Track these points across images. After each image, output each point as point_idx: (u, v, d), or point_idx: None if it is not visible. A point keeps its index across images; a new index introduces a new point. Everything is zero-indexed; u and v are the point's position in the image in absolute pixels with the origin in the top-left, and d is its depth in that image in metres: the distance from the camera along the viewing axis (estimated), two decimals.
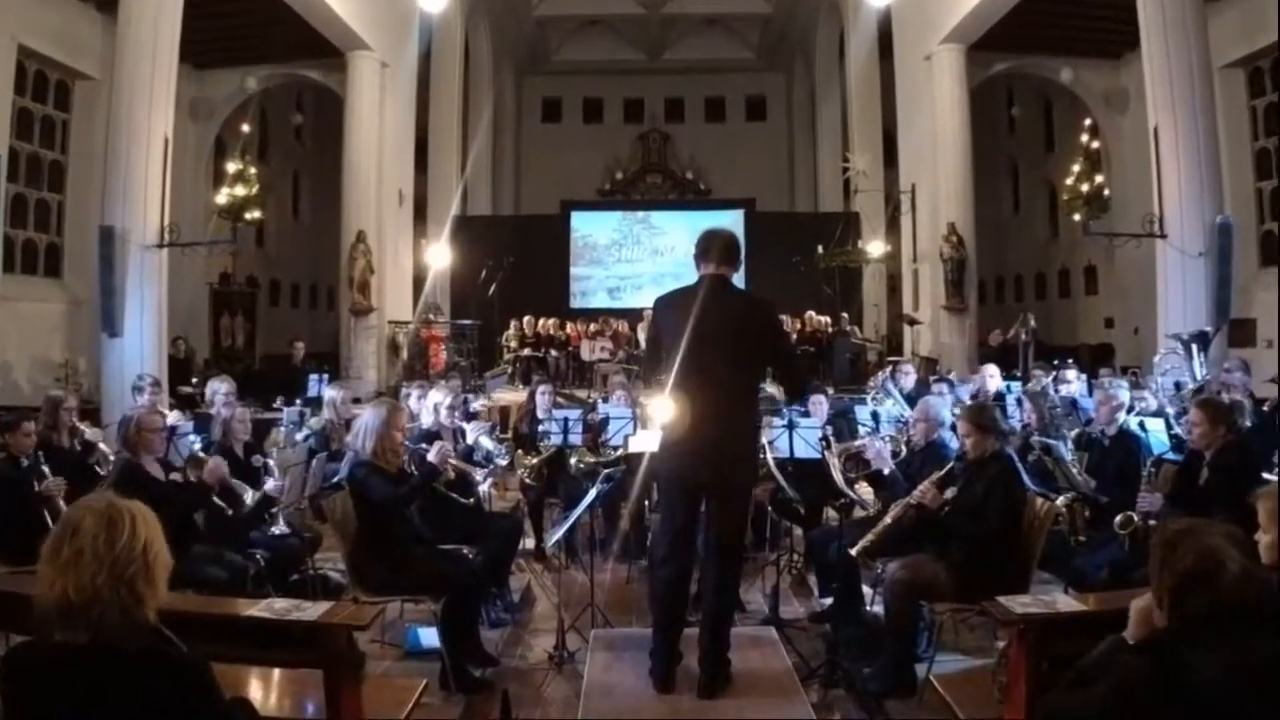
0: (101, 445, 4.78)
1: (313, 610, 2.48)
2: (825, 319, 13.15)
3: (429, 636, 3.74)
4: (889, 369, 7.77)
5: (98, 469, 4.54)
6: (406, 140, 13.75)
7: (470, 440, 5.20)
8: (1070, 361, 8.35)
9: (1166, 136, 8.37)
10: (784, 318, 10.97)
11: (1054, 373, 7.07)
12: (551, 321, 13.39)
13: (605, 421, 5.58)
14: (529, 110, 21.83)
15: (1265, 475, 3.56)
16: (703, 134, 21.67)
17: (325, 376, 8.66)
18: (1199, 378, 6.61)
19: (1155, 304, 8.72)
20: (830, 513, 4.86)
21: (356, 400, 7.45)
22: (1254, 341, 9.33)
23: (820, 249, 13.60)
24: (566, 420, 5.53)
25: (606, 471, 4.56)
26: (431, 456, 3.89)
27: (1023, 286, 16.77)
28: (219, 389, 5.48)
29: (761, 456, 4.23)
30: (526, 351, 12.78)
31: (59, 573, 1.54)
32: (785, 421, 4.59)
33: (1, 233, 9.51)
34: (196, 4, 8.77)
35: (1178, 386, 6.45)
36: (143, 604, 1.57)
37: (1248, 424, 4.48)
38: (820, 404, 5.56)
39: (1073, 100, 13.66)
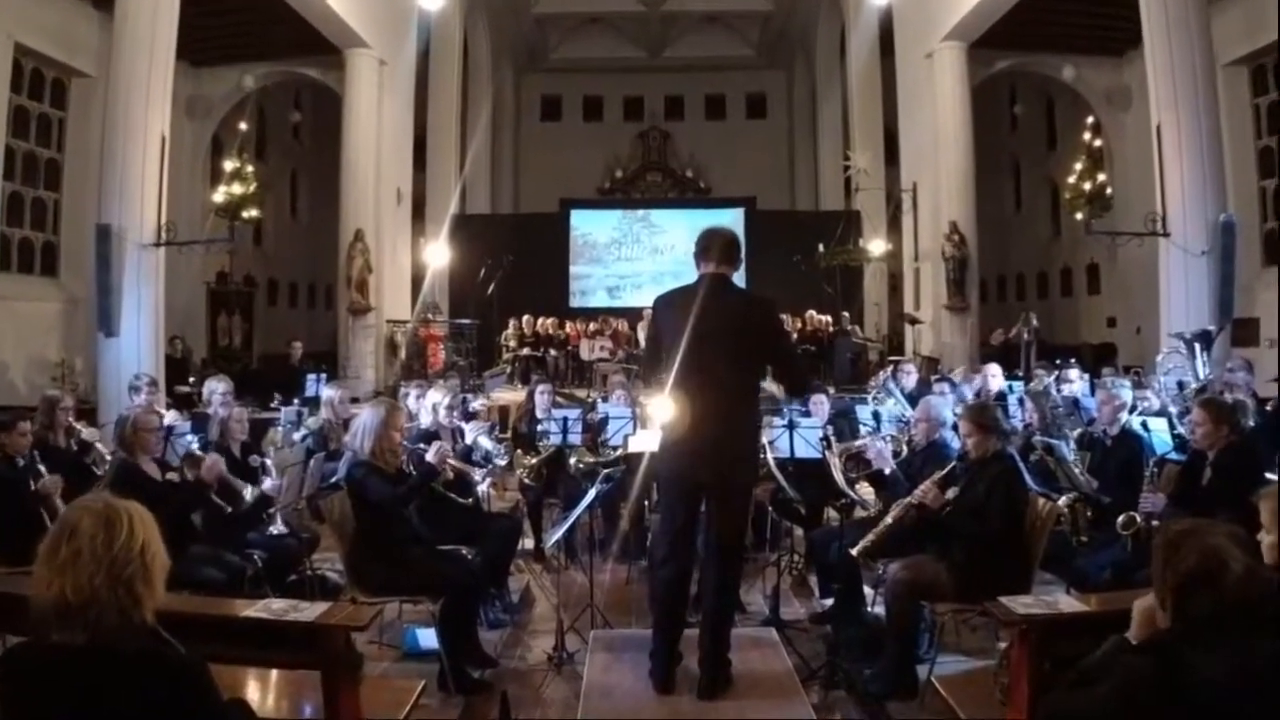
0: (98, 445, 4.76)
1: (310, 611, 2.46)
2: (826, 318, 13.15)
3: (427, 637, 3.73)
4: (890, 368, 7.76)
5: (94, 469, 4.53)
6: (405, 138, 13.73)
7: (469, 440, 5.19)
8: (1072, 361, 8.30)
9: (1169, 134, 8.36)
10: (784, 317, 10.96)
11: (1056, 372, 7.04)
12: (551, 321, 13.38)
13: (605, 421, 5.57)
14: (528, 108, 21.81)
15: (1268, 475, 3.53)
16: (703, 132, 21.64)
17: (323, 376, 8.62)
18: (1202, 377, 6.59)
19: (1158, 303, 8.71)
20: (831, 513, 4.85)
21: (354, 400, 7.43)
22: (1257, 341, 9.31)
23: (821, 248, 13.59)
24: (566, 420, 5.51)
25: (606, 471, 4.54)
26: (430, 456, 3.87)
27: (1025, 285, 16.77)
28: (216, 388, 5.46)
29: (762, 456, 4.22)
30: (525, 351, 12.77)
31: (56, 573, 1.54)
32: (786, 421, 4.58)
33: None
34: (194, 1, 8.76)
35: (1180, 386, 6.43)
36: (140, 605, 1.56)
37: (1251, 424, 4.47)
38: (821, 404, 5.55)
39: (1075, 98, 13.64)
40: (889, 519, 3.59)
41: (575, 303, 16.65)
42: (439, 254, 13.68)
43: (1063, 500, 3.89)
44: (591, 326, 13.43)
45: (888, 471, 4.05)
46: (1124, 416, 4.47)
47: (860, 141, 15.53)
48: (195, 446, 4.50)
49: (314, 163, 16.25)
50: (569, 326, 13.53)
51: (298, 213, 17.10)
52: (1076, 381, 6.71)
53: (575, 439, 5.48)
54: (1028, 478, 3.69)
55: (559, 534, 4.28)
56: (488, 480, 5.24)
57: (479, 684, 3.47)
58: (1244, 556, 1.60)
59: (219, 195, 9.30)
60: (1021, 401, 6.08)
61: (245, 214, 9.20)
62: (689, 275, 3.35)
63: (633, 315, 13.24)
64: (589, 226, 17.88)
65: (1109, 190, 10.30)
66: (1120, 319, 13.66)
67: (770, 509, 5.00)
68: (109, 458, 4.34)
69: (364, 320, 12.14)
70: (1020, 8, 10.72)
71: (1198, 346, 6.85)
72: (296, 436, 5.80)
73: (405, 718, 2.49)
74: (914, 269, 13.39)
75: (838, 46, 17.55)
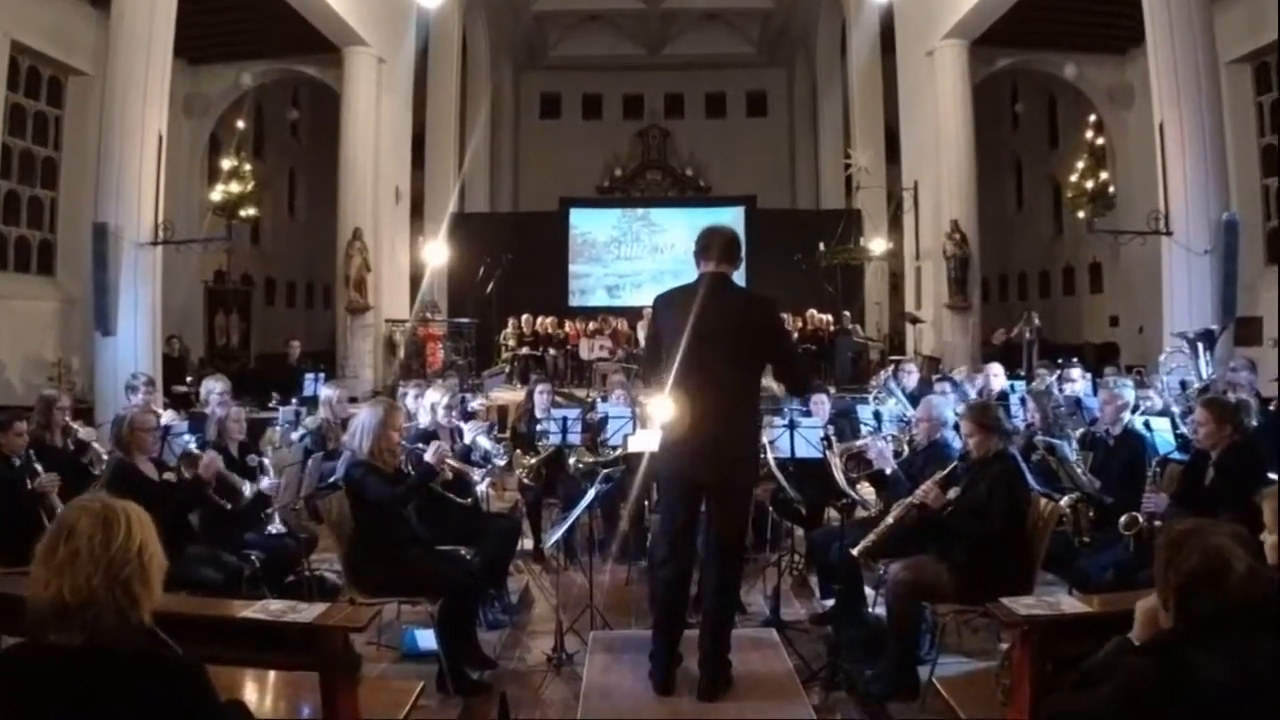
0: (95, 445, 4.75)
1: (309, 612, 2.46)
2: (827, 317, 13.14)
3: (426, 638, 3.72)
4: (891, 368, 7.74)
5: (91, 469, 4.52)
6: (403, 137, 13.71)
7: (468, 440, 5.17)
8: (1075, 360, 8.30)
9: (1172, 133, 8.34)
10: (785, 316, 10.93)
11: (1058, 371, 7.03)
12: (550, 320, 13.36)
13: (604, 421, 5.56)
14: (527, 106, 21.77)
15: (1271, 475, 3.52)
16: (703, 130, 21.62)
17: (321, 375, 8.62)
18: (1205, 376, 6.58)
19: (1160, 302, 8.69)
20: (832, 513, 4.84)
21: (353, 399, 7.43)
22: (1260, 340, 9.29)
23: (822, 246, 13.58)
24: (565, 420, 5.50)
25: (605, 471, 4.53)
26: (429, 456, 3.86)
27: (1026, 284, 16.76)
28: (214, 388, 5.46)
29: (762, 456, 4.20)
30: (525, 350, 12.75)
31: (54, 574, 1.53)
32: (786, 421, 4.57)
33: None
34: None
35: (1183, 385, 6.42)
36: (138, 605, 1.56)
37: (1254, 423, 4.45)
38: (822, 403, 5.53)
39: (1077, 96, 13.62)
40: (890, 519, 3.57)
41: (575, 302, 16.65)
42: (437, 253, 13.66)
43: (1065, 500, 3.88)
44: (591, 326, 13.41)
45: (889, 471, 4.04)
46: (1126, 416, 4.46)
47: (861, 140, 15.51)
48: (193, 446, 4.49)
49: (312, 161, 16.22)
50: (568, 326, 13.51)
51: (296, 211, 17.07)
52: (1079, 381, 6.70)
53: (575, 439, 5.47)
54: (1029, 478, 3.67)
55: (558, 534, 4.26)
56: (487, 480, 5.23)
57: (478, 685, 3.46)
58: (1247, 557, 1.59)
59: (216, 194, 9.25)
60: (1023, 401, 6.07)
61: (243, 213, 9.16)
62: (689, 274, 3.34)
63: (632, 314, 13.23)
64: (588, 225, 17.86)
65: (1111, 189, 10.25)
66: (1122, 318, 13.64)
67: (771, 509, 4.99)
68: (106, 457, 4.33)
69: (362, 319, 12.11)
70: (1022, 5, 10.69)
71: (1200, 346, 6.84)
72: (294, 436, 5.80)
73: (404, 719, 2.48)
74: (915, 268, 13.37)
75: (838, 44, 17.53)
